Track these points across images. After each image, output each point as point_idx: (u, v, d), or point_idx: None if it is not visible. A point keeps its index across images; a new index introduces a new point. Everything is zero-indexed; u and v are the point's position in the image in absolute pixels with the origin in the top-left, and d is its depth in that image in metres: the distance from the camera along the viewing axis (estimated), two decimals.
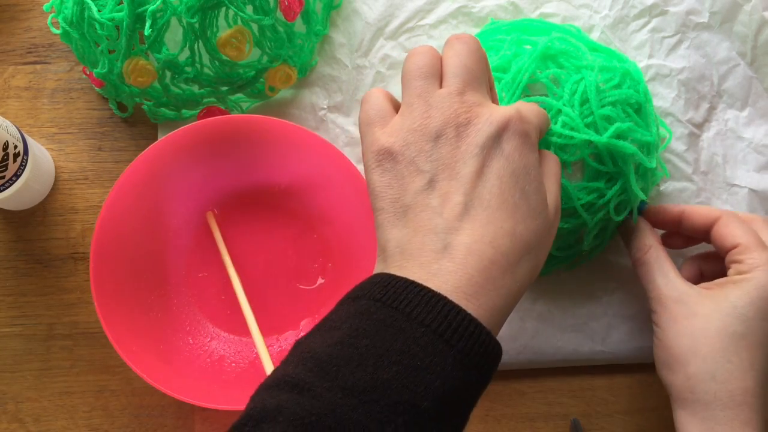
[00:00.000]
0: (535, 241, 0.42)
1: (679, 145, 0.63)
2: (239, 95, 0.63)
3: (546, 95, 0.54)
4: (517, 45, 0.57)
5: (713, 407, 0.49)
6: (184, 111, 0.63)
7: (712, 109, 0.64)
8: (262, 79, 0.61)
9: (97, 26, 0.56)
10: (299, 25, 0.61)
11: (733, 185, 0.63)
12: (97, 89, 0.63)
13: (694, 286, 0.53)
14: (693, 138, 0.63)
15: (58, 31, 0.60)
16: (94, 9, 0.55)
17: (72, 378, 0.61)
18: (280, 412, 0.34)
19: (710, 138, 0.64)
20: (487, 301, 0.39)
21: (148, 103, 0.62)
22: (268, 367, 0.56)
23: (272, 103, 0.64)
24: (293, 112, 0.64)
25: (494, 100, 0.47)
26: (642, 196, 0.55)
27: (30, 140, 0.59)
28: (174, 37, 0.57)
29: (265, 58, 0.60)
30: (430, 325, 0.37)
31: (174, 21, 0.55)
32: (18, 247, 0.62)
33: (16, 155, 0.56)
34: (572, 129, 0.53)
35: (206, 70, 0.59)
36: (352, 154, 0.62)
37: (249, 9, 0.56)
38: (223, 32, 0.56)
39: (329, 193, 0.61)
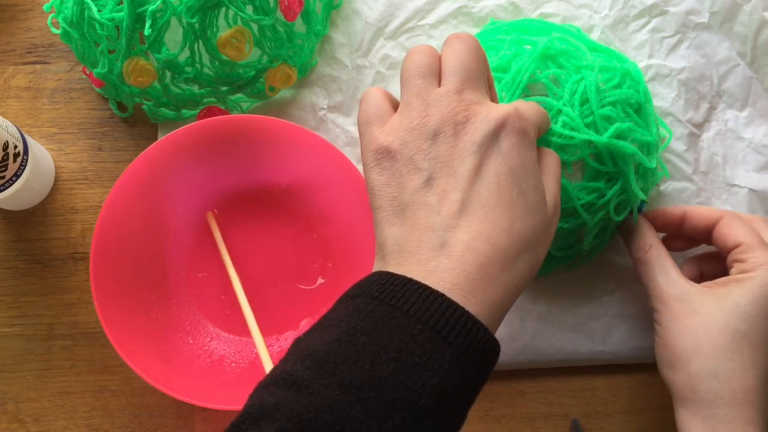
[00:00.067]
0: (534, 238, 0.42)
1: (679, 145, 0.63)
2: (239, 95, 0.63)
3: (546, 95, 0.54)
4: (517, 45, 0.57)
5: (715, 406, 0.49)
6: (184, 111, 0.63)
7: (712, 109, 0.64)
8: (262, 79, 0.61)
9: (97, 26, 0.56)
10: (299, 25, 0.61)
11: (733, 185, 0.63)
12: (97, 89, 0.63)
13: (696, 284, 0.53)
14: (693, 138, 0.63)
15: (58, 31, 0.60)
16: (94, 9, 0.55)
17: (72, 378, 0.61)
18: (278, 409, 0.34)
19: (710, 138, 0.64)
20: (485, 298, 0.39)
21: (148, 103, 0.62)
22: (268, 367, 0.56)
23: (272, 103, 0.64)
24: (293, 112, 0.64)
25: (493, 99, 0.47)
26: (642, 196, 0.55)
27: (30, 140, 0.59)
28: (174, 37, 0.57)
29: (265, 58, 0.60)
30: (427, 322, 0.37)
31: (174, 21, 0.56)
32: (18, 247, 0.63)
33: (16, 155, 0.56)
34: (572, 129, 0.53)
35: (206, 70, 0.59)
36: (352, 154, 0.62)
37: (249, 9, 0.56)
38: (223, 32, 0.56)
39: (329, 193, 0.61)
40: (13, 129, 0.56)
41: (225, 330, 0.62)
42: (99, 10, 0.56)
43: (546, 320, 0.61)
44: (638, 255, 0.56)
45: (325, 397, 0.35)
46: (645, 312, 0.61)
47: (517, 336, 0.61)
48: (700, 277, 0.58)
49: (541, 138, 0.52)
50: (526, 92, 0.55)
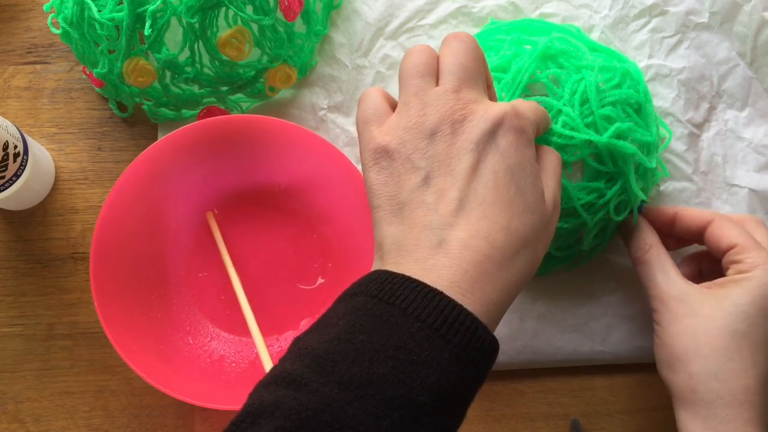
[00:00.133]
0: (532, 236, 0.42)
1: (679, 145, 0.63)
2: (239, 95, 0.63)
3: (546, 95, 0.54)
4: (517, 45, 0.57)
5: (715, 406, 0.49)
6: (184, 111, 0.63)
7: (712, 109, 0.64)
8: (262, 79, 0.61)
9: (97, 26, 0.56)
10: (299, 25, 0.61)
11: (733, 185, 0.63)
12: (97, 89, 0.63)
13: (695, 285, 0.53)
14: (693, 138, 0.63)
15: (58, 31, 0.60)
16: (94, 9, 0.55)
17: (72, 378, 0.61)
18: (277, 408, 0.34)
19: (710, 138, 0.63)
20: (483, 296, 0.39)
21: (148, 103, 0.62)
22: (268, 367, 0.56)
23: (272, 103, 0.64)
24: (293, 112, 0.64)
25: (492, 99, 0.47)
26: (642, 196, 0.55)
27: (30, 140, 0.59)
28: (174, 37, 0.57)
29: (265, 58, 0.60)
30: (426, 320, 0.37)
31: (174, 21, 0.56)
32: (18, 247, 0.63)
33: (16, 155, 0.56)
34: (572, 129, 0.53)
35: (206, 70, 0.59)
36: (352, 154, 0.62)
37: (249, 9, 0.56)
38: (223, 32, 0.57)
39: (329, 193, 0.61)
40: (13, 129, 0.56)
41: (225, 330, 0.62)
42: (99, 10, 0.56)
43: (546, 320, 0.61)
44: (638, 255, 0.56)
45: (323, 396, 0.35)
46: (645, 312, 0.61)
47: (517, 336, 0.61)
48: (698, 276, 0.59)
49: (541, 138, 0.52)
50: (526, 92, 0.55)
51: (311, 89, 0.64)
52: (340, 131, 0.63)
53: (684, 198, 0.63)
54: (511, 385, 0.62)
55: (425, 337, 0.36)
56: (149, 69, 0.57)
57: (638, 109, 0.56)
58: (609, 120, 0.54)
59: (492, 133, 0.42)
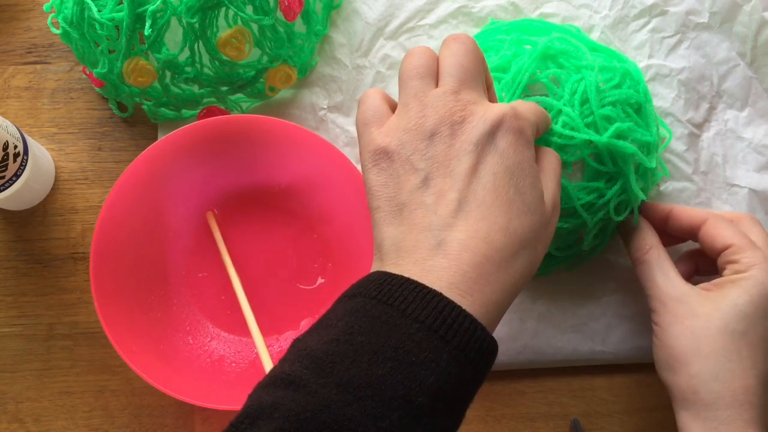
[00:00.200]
0: (531, 236, 0.42)
1: (679, 145, 0.63)
2: (239, 95, 0.63)
3: (546, 95, 0.54)
4: (517, 45, 0.57)
5: (716, 407, 0.49)
6: (184, 111, 0.63)
7: (712, 109, 0.64)
8: (262, 79, 0.61)
9: (97, 26, 0.56)
10: (299, 25, 0.61)
11: (733, 185, 0.63)
12: (97, 89, 0.63)
13: (694, 287, 0.53)
14: (693, 138, 0.63)
15: (58, 31, 0.60)
16: (94, 9, 0.55)
17: (72, 378, 0.61)
18: (276, 409, 0.34)
19: (710, 138, 0.63)
20: (482, 297, 0.39)
21: (148, 103, 0.62)
22: (268, 367, 0.56)
23: (272, 103, 0.64)
24: (293, 112, 0.64)
25: (492, 100, 0.47)
26: (642, 196, 0.55)
27: (30, 140, 0.59)
28: (174, 37, 0.57)
29: (265, 58, 0.60)
30: (424, 321, 0.37)
31: (174, 21, 0.56)
32: (18, 247, 0.63)
33: (16, 155, 0.56)
34: (572, 129, 0.53)
35: (206, 70, 0.59)
36: (352, 154, 0.62)
37: (249, 9, 0.56)
38: (223, 32, 0.57)
39: (329, 193, 0.61)
40: (13, 129, 0.56)
41: (225, 330, 0.62)
42: (99, 10, 0.56)
43: (546, 320, 0.61)
44: (637, 256, 0.56)
45: (322, 397, 0.35)
46: (644, 312, 0.61)
47: (517, 336, 0.61)
48: (695, 273, 0.59)
49: (542, 138, 0.52)
50: (526, 92, 0.55)
51: (311, 89, 0.64)
52: (340, 131, 0.63)
53: (684, 198, 0.63)
54: (511, 385, 0.62)
55: (424, 338, 0.36)
56: (149, 69, 0.57)
57: (638, 109, 0.56)
58: (609, 120, 0.54)
59: (491, 134, 0.42)
